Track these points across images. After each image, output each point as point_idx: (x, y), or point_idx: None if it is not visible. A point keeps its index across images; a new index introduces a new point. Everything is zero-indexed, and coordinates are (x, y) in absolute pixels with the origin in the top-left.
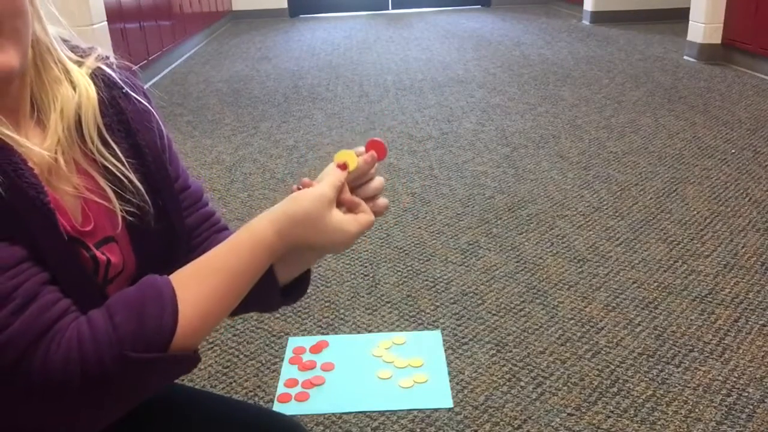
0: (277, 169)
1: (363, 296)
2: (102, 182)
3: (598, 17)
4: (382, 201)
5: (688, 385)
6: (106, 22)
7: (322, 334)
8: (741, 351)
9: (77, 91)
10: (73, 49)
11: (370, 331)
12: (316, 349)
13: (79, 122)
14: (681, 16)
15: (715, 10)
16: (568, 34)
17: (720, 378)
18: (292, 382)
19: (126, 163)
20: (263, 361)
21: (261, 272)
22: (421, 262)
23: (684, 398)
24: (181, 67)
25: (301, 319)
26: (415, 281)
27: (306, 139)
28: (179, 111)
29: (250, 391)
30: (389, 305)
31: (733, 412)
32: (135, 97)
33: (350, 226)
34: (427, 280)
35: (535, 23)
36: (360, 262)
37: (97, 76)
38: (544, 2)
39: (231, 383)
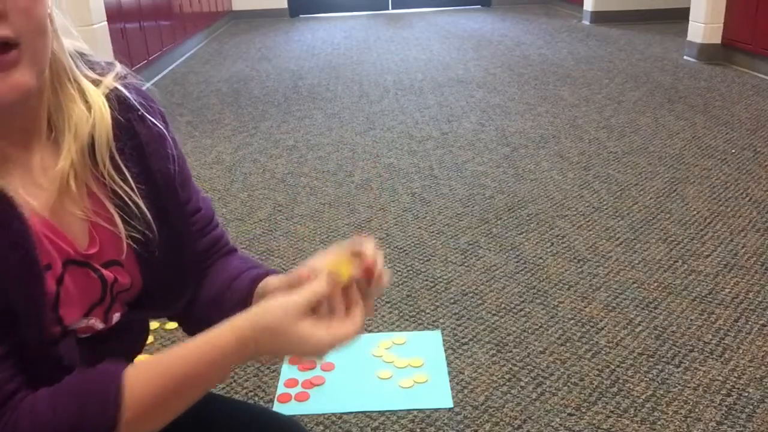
0: (277, 169)
1: None
2: (110, 207)
3: (598, 17)
4: (369, 303)
5: (688, 385)
6: (106, 22)
7: None
8: (741, 351)
9: (92, 112)
10: (92, 65)
11: (370, 331)
12: None
13: (92, 144)
14: (681, 16)
15: (715, 10)
16: (568, 34)
17: (720, 378)
18: (292, 382)
19: (135, 189)
20: (263, 361)
21: (220, 379)
22: (421, 262)
23: (684, 398)
24: (181, 67)
25: None
26: (415, 281)
27: (306, 139)
28: (179, 111)
29: (250, 391)
30: (389, 305)
31: (733, 412)
32: (150, 120)
33: (322, 339)
34: (427, 280)
35: (535, 23)
36: None
37: (112, 97)
38: (544, 2)
39: (231, 383)
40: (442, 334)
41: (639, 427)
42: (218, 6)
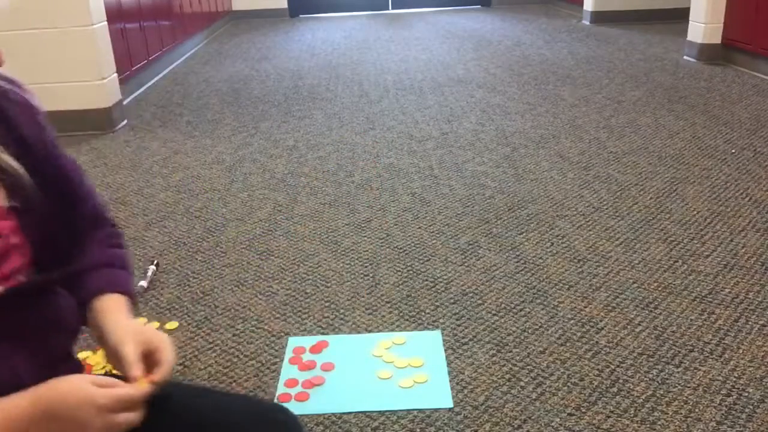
0: (277, 169)
1: (363, 296)
2: None
3: (598, 17)
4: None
5: (688, 385)
6: (106, 22)
7: (322, 334)
8: (741, 351)
9: None
10: None
11: (370, 331)
12: (316, 349)
13: None
14: (681, 16)
15: (715, 10)
16: (568, 34)
17: (720, 378)
18: (292, 382)
19: (3, 148)
20: (263, 361)
21: None
22: (421, 262)
23: (684, 398)
24: (181, 67)
25: (301, 319)
26: (415, 281)
27: (306, 139)
28: (179, 111)
29: (250, 391)
30: (389, 305)
31: (733, 412)
32: (15, 94)
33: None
34: (427, 280)
35: (535, 23)
36: (360, 262)
37: None
38: (544, 2)
39: (231, 383)
40: (442, 334)
41: (639, 427)
42: (218, 6)
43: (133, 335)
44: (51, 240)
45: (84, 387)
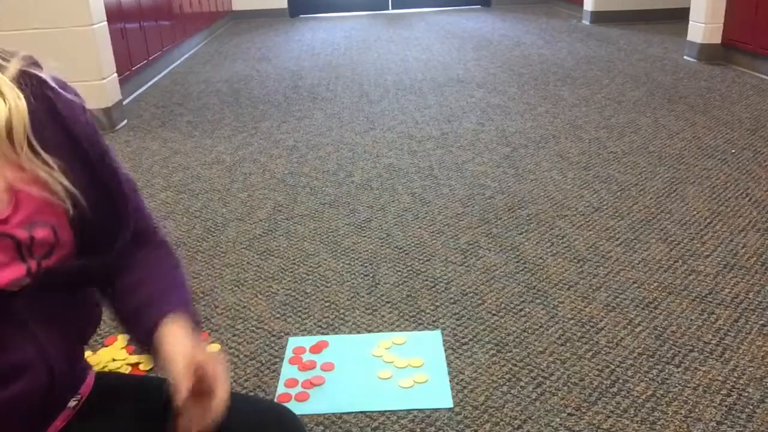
0: (277, 169)
1: (363, 296)
2: (36, 175)
3: (598, 17)
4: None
5: (688, 385)
6: (106, 22)
7: (322, 334)
8: (741, 351)
9: (6, 104)
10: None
11: (370, 331)
12: (316, 349)
13: (9, 133)
14: (681, 16)
15: (715, 10)
16: (568, 34)
17: (720, 378)
18: (292, 382)
19: (57, 168)
20: (263, 361)
21: None
22: (421, 262)
23: (684, 398)
24: (181, 67)
25: (301, 319)
26: (415, 281)
27: (306, 139)
28: (179, 111)
29: (250, 391)
30: (389, 305)
31: (733, 412)
32: (66, 93)
33: None
34: (427, 280)
35: (535, 23)
36: (360, 262)
37: (26, 77)
38: (544, 2)
39: (231, 383)
40: (442, 334)
41: (639, 427)
42: (218, 6)
43: (185, 355)
44: (94, 242)
45: None
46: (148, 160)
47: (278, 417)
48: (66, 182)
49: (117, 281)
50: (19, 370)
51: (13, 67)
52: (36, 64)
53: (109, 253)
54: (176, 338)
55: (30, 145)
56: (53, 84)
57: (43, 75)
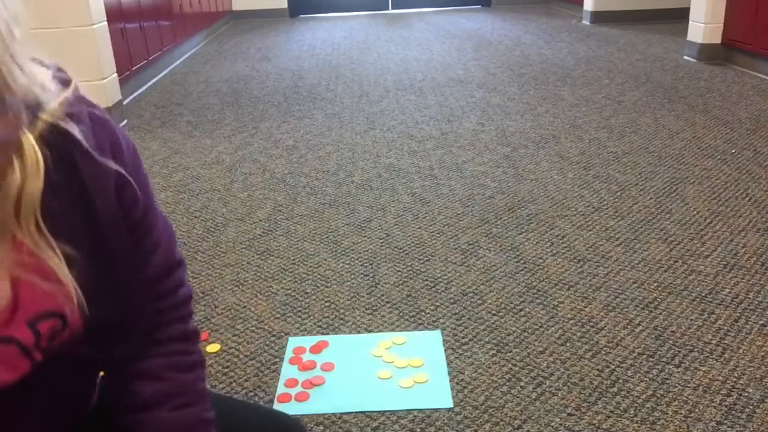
0: (277, 169)
1: (363, 296)
2: (39, 259)
3: (598, 17)
4: None
5: (688, 385)
6: (105, 22)
7: (322, 334)
8: (741, 351)
9: (22, 173)
10: (44, 88)
11: (370, 331)
12: (316, 349)
13: (18, 207)
14: (681, 16)
15: (715, 10)
16: (568, 34)
17: (720, 378)
18: (292, 382)
19: (62, 260)
20: (263, 361)
21: None
22: (421, 262)
23: (684, 398)
24: (181, 67)
25: (301, 319)
26: (415, 281)
27: (306, 139)
28: (179, 111)
29: (250, 391)
30: (389, 305)
31: (733, 412)
32: (97, 157)
33: None
34: (427, 280)
35: (535, 23)
36: (360, 262)
37: (54, 132)
38: (544, 2)
39: (231, 383)
40: (442, 334)
41: (639, 427)
42: (218, 6)
43: None
44: (105, 328)
45: None
46: (148, 160)
47: (281, 426)
48: (72, 281)
49: (127, 384)
50: None
51: (44, 120)
52: (77, 115)
53: (121, 345)
54: None
55: (38, 227)
56: (86, 146)
57: (77, 133)
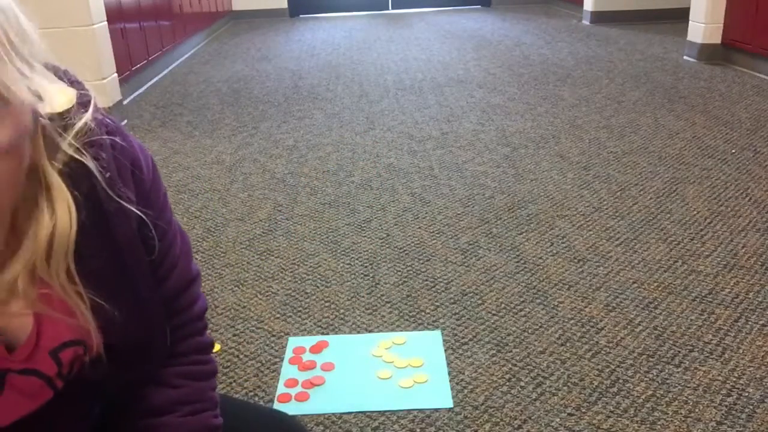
0: (277, 169)
1: (363, 296)
2: (62, 300)
3: (598, 17)
4: None
5: (688, 385)
6: (106, 22)
7: (322, 334)
8: (741, 351)
9: (53, 216)
10: (63, 116)
11: (370, 331)
12: (316, 349)
13: (48, 254)
14: (681, 16)
15: (715, 10)
16: (568, 34)
17: (720, 378)
18: (292, 382)
19: (88, 305)
20: (263, 361)
21: None
22: (421, 262)
23: (684, 398)
24: (181, 67)
25: (301, 319)
26: (415, 281)
27: (306, 139)
28: (179, 111)
29: (250, 391)
30: (389, 305)
31: (733, 412)
32: (119, 191)
33: None
34: (427, 280)
35: (535, 23)
36: (360, 262)
37: (75, 168)
38: (544, 2)
39: (231, 383)
40: (442, 334)
41: (639, 427)
42: (218, 6)
43: None
44: (124, 360)
45: None
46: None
47: (282, 426)
48: (93, 325)
49: (140, 391)
50: None
51: (65, 150)
52: (97, 141)
53: (141, 366)
54: None
55: (68, 272)
56: (107, 181)
57: (98, 167)
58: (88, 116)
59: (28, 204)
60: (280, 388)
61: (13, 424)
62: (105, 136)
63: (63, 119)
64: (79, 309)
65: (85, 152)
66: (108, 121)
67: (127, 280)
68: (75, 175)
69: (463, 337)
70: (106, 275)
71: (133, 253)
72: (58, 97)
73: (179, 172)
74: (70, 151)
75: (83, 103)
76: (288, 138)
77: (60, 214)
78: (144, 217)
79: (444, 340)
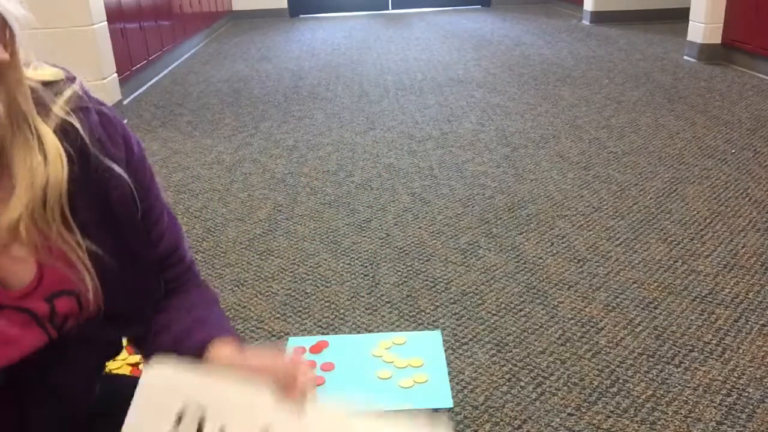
0: (277, 169)
1: (363, 296)
2: (60, 248)
3: (598, 17)
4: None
5: (688, 385)
6: (105, 22)
7: (322, 334)
8: (741, 351)
9: (47, 165)
10: (47, 85)
11: (370, 331)
12: (316, 349)
13: (44, 200)
14: (681, 16)
15: (715, 10)
16: (568, 34)
17: (720, 378)
18: None
19: (84, 251)
20: None
21: None
22: (421, 262)
23: (684, 398)
24: (181, 67)
25: (301, 319)
26: (415, 281)
27: (306, 139)
28: (179, 111)
29: None
30: (389, 305)
31: (733, 412)
32: (109, 153)
33: None
34: (427, 280)
35: (535, 23)
36: (360, 262)
37: (69, 129)
38: (544, 2)
39: None
40: (442, 334)
41: (639, 427)
42: (218, 6)
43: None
44: (121, 309)
45: None
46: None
47: None
48: (91, 272)
49: (154, 327)
50: (39, 417)
51: (57, 113)
52: (85, 108)
53: (136, 320)
54: (250, 354)
55: (63, 217)
56: (97, 141)
57: (87, 128)
58: (76, 86)
59: (24, 154)
60: None
61: (30, 382)
62: (93, 105)
63: (53, 88)
64: (75, 255)
65: (74, 114)
66: (96, 98)
67: (119, 233)
68: (66, 133)
69: (463, 337)
70: (100, 227)
71: (124, 208)
72: (48, 70)
73: (179, 172)
74: (61, 114)
75: (71, 78)
76: (288, 138)
77: (52, 163)
78: (131, 182)
79: (444, 340)
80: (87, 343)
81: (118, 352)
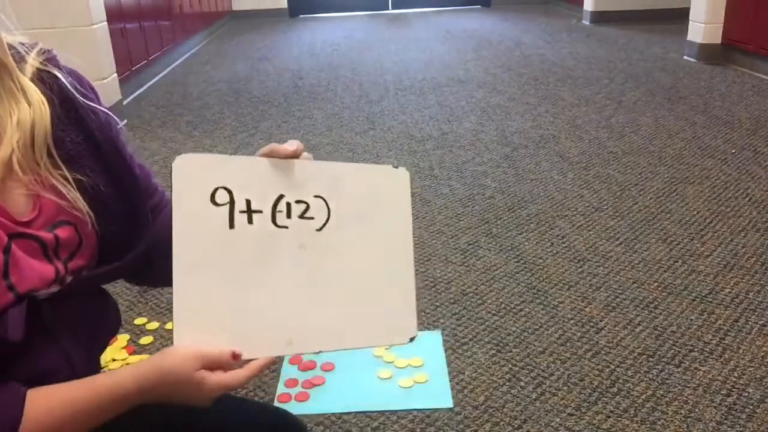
0: None
1: None
2: (55, 183)
3: (598, 17)
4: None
5: (688, 385)
6: (106, 22)
7: None
8: (741, 351)
9: (32, 109)
10: (18, 44)
11: None
12: None
13: (32, 140)
14: (681, 16)
15: (715, 10)
16: (568, 34)
17: (720, 378)
18: (292, 382)
19: (72, 184)
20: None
21: (114, 415)
22: (421, 262)
23: (684, 398)
24: (181, 67)
25: None
26: (415, 281)
27: (306, 139)
28: (179, 111)
29: (250, 391)
30: None
31: (733, 412)
32: (83, 93)
33: (212, 386)
34: (427, 280)
35: (535, 23)
36: None
37: (44, 76)
38: (544, 2)
39: None
40: (442, 334)
41: (639, 427)
42: (218, 6)
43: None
44: (117, 236)
45: (195, 377)
46: (148, 160)
47: (280, 423)
48: (81, 201)
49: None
50: (46, 375)
51: (32, 64)
52: (54, 59)
53: (131, 256)
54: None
55: (50, 155)
56: (70, 87)
57: (61, 76)
58: (44, 45)
59: (10, 102)
60: (280, 388)
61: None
62: (63, 66)
63: (25, 46)
64: (65, 188)
65: (48, 65)
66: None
67: (105, 162)
68: (44, 79)
69: (463, 337)
70: (85, 158)
71: (105, 137)
72: (20, 37)
73: None
74: (36, 64)
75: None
76: (288, 138)
77: (36, 106)
78: (107, 111)
79: (444, 340)
80: (90, 295)
81: (117, 325)
